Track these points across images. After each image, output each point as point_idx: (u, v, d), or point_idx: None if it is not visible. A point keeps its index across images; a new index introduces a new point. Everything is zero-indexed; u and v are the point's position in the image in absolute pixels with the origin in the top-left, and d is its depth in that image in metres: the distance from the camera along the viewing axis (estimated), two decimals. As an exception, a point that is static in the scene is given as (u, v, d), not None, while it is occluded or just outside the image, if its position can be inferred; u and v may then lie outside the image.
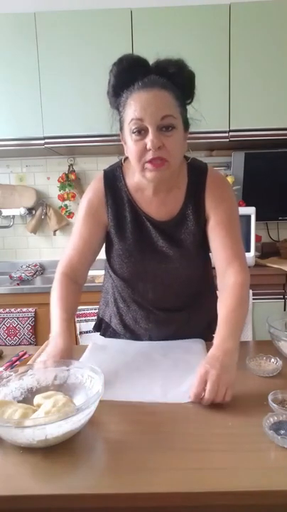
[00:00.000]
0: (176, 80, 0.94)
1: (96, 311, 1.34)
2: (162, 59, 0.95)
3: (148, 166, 0.94)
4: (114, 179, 1.09)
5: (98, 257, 1.15)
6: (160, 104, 0.92)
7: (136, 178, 1.06)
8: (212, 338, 0.92)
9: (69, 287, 1.08)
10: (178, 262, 1.08)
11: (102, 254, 1.17)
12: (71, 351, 0.94)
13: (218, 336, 0.90)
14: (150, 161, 0.93)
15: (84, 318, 2.12)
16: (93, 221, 1.09)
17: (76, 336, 2.15)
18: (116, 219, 1.08)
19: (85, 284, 1.16)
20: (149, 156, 0.93)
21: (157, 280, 1.10)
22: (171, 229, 1.07)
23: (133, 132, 0.93)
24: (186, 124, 0.99)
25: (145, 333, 1.18)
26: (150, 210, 1.07)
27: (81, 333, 2.12)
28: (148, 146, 0.91)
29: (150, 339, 1.17)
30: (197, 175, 1.07)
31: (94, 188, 1.10)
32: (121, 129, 1.00)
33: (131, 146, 0.95)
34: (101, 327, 1.28)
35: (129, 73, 0.93)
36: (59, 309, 1.02)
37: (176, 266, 1.08)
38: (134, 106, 0.92)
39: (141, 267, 1.09)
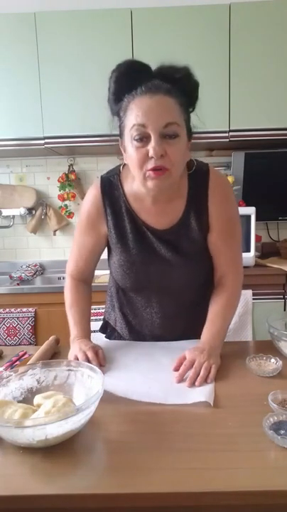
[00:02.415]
0: (181, 86, 0.90)
1: (97, 311, 1.34)
2: (166, 64, 0.91)
3: (149, 173, 0.90)
4: (111, 187, 1.05)
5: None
6: (163, 110, 0.88)
7: (135, 187, 1.02)
8: None
9: (80, 289, 1.15)
10: (182, 270, 1.05)
11: (104, 254, 1.16)
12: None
13: (206, 334, 1.01)
14: (151, 169, 0.89)
15: (84, 318, 2.12)
16: (93, 232, 1.09)
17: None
18: (116, 228, 1.06)
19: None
20: (151, 164, 0.89)
21: (160, 289, 1.09)
22: (173, 237, 1.04)
23: (135, 139, 0.89)
24: (189, 133, 0.96)
25: (151, 339, 1.16)
26: (150, 219, 1.04)
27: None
28: (150, 153, 0.87)
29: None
30: (198, 179, 1.03)
31: (91, 196, 1.07)
32: (121, 135, 0.96)
33: (131, 153, 0.91)
34: (107, 330, 1.27)
35: (130, 77, 0.89)
36: (75, 314, 1.10)
37: (180, 273, 1.06)
38: (136, 111, 0.88)
39: (143, 277, 1.07)
